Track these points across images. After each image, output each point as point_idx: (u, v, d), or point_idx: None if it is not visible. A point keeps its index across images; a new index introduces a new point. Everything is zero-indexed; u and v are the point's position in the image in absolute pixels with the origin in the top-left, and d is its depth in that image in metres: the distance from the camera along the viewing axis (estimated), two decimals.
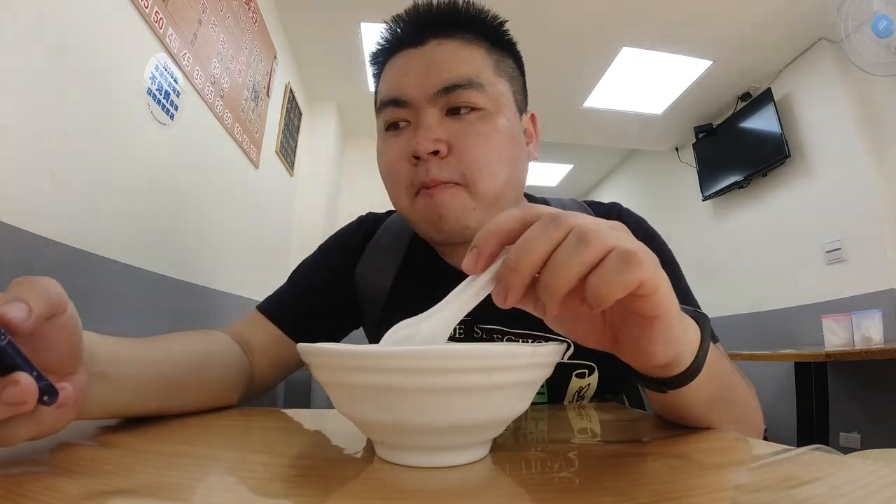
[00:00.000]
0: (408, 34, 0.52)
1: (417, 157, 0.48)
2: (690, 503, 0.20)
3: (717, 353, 0.34)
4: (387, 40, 0.55)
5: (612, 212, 0.61)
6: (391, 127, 0.52)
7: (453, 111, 0.49)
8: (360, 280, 0.63)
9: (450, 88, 0.48)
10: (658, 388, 0.31)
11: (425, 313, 0.27)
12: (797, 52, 2.52)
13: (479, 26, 0.53)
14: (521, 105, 0.56)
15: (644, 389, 0.36)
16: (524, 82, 0.58)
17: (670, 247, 0.59)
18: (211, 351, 0.49)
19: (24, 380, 0.20)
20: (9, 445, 0.22)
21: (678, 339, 0.27)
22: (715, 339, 0.51)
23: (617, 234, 0.23)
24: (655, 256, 0.24)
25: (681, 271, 0.57)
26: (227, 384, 0.48)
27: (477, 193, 0.49)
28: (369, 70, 0.58)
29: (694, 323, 0.30)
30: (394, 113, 0.51)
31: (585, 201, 0.64)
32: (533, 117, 0.59)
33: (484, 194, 0.49)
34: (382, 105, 0.52)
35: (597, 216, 0.61)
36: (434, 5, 0.53)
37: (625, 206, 0.63)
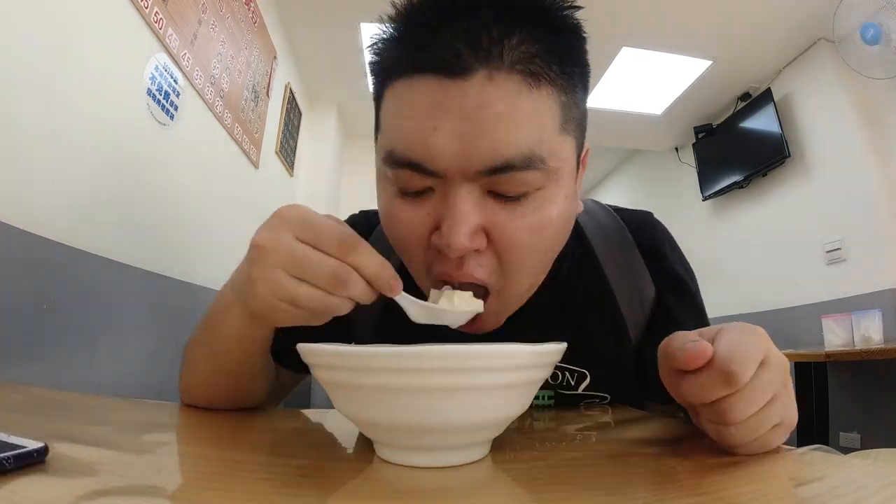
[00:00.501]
0: (445, 53, 0.33)
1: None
2: (690, 503, 0.20)
3: None
4: (406, 42, 0.36)
5: (643, 224, 0.56)
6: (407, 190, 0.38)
7: (499, 193, 0.36)
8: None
9: (501, 169, 0.34)
10: None
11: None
12: (797, 52, 2.52)
13: (545, 31, 0.35)
14: (581, 145, 0.41)
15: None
16: (586, 106, 0.41)
17: None
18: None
19: None
20: None
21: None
22: None
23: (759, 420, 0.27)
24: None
25: (697, 286, 0.55)
26: (262, 382, 0.47)
27: (507, 297, 0.40)
28: (369, 70, 0.43)
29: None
30: (413, 180, 0.36)
31: (613, 207, 0.58)
32: (587, 152, 0.45)
33: (515, 296, 0.41)
34: (397, 163, 0.36)
35: (625, 223, 0.56)
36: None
37: (672, 236, 0.58)
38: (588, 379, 0.49)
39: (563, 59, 0.35)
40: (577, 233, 0.51)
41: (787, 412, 0.29)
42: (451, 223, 0.34)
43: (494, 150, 0.33)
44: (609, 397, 0.51)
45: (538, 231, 0.37)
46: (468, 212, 0.34)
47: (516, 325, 0.43)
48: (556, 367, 0.44)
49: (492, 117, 0.33)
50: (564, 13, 0.36)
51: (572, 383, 0.49)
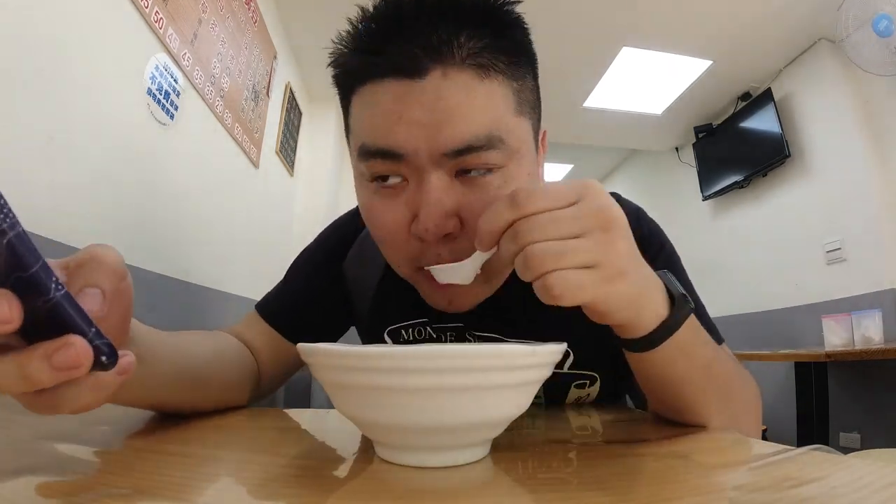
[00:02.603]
0: (401, 57, 0.36)
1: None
2: (690, 503, 0.20)
3: (697, 336, 0.36)
4: (363, 52, 0.39)
5: None
6: (379, 178, 0.40)
7: (464, 170, 0.38)
8: (348, 276, 0.62)
9: (464, 151, 0.37)
10: (626, 347, 0.35)
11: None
12: (797, 52, 2.52)
13: (488, 27, 0.38)
14: (537, 129, 0.45)
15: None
16: (538, 92, 0.45)
17: None
18: (227, 349, 0.49)
19: (79, 342, 0.18)
20: (62, 412, 0.21)
21: (625, 312, 0.31)
22: (720, 340, 0.50)
23: (564, 259, 0.27)
24: (606, 270, 0.28)
25: (683, 273, 0.55)
26: (241, 383, 0.48)
27: (490, 273, 0.40)
28: (334, 82, 0.45)
29: (662, 299, 0.33)
30: (386, 167, 0.39)
31: None
32: (544, 134, 0.49)
33: (497, 273, 0.42)
34: (369, 153, 0.39)
35: None
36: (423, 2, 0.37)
37: (639, 207, 0.61)
38: (572, 357, 0.50)
39: (510, 51, 0.39)
40: None
41: (605, 256, 0.28)
42: (426, 209, 0.37)
43: (455, 135, 0.36)
44: (597, 376, 0.53)
45: None
46: (440, 197, 0.37)
47: (490, 308, 0.47)
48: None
49: (450, 107, 0.36)
50: (506, 8, 0.39)
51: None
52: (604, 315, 0.30)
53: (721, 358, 0.39)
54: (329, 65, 0.43)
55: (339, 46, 0.42)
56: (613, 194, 0.61)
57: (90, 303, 0.20)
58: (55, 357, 0.18)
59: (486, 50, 0.37)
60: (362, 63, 0.39)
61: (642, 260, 0.32)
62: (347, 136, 0.44)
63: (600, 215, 0.28)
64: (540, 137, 0.47)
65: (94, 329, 0.19)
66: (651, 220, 0.58)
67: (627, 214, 0.58)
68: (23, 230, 0.17)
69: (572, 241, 0.27)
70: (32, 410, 0.21)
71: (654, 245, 0.55)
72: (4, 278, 0.17)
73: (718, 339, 0.51)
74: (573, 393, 0.54)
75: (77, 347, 0.18)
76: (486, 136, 0.37)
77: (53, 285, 0.18)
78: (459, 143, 0.36)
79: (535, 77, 0.44)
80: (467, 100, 0.36)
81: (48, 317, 0.18)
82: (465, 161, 0.37)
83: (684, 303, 0.33)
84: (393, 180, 0.39)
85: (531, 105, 0.42)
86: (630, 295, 0.30)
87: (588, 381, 0.53)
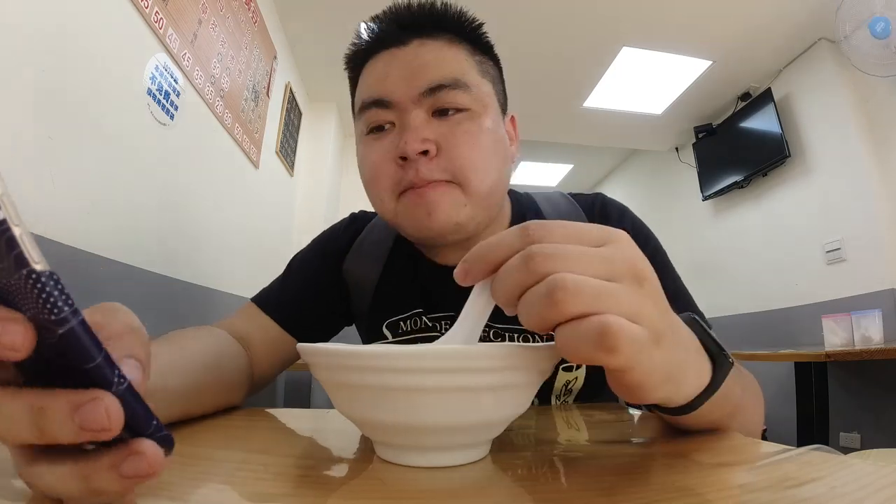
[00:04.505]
0: (389, 34, 0.51)
1: (404, 159, 0.47)
2: (690, 503, 0.20)
3: (730, 382, 0.30)
4: (365, 41, 0.53)
5: (595, 203, 0.61)
6: (374, 130, 0.51)
7: (439, 112, 0.49)
8: (348, 276, 0.63)
9: (436, 89, 0.48)
10: (658, 410, 0.30)
11: (448, 334, 0.27)
12: (797, 52, 2.52)
13: (460, 28, 0.53)
14: (503, 107, 0.57)
15: None
16: (504, 85, 0.58)
17: (670, 246, 0.59)
18: (220, 351, 0.48)
19: (150, 449, 0.17)
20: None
21: (664, 388, 0.25)
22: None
23: (607, 301, 0.21)
24: (648, 329, 0.22)
25: (671, 267, 0.56)
26: (236, 384, 0.48)
27: (469, 191, 0.48)
28: (349, 63, 0.57)
29: (704, 363, 0.28)
30: (377, 115, 0.50)
31: (571, 194, 0.64)
32: (513, 119, 0.59)
33: (476, 192, 0.48)
34: (364, 107, 0.51)
35: (581, 208, 0.61)
36: (414, 5, 0.52)
37: (624, 206, 0.63)
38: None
39: (473, 42, 0.53)
40: (537, 214, 0.61)
41: (643, 312, 0.22)
42: (408, 133, 0.47)
43: (428, 77, 0.48)
44: None
45: (473, 135, 0.49)
46: (419, 125, 0.48)
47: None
48: (528, 333, 0.52)
49: (424, 61, 0.49)
50: (466, 22, 0.53)
51: None
52: (638, 391, 0.23)
53: (738, 391, 0.35)
54: (345, 62, 0.56)
55: (353, 44, 0.55)
56: (599, 194, 0.62)
57: (133, 373, 0.18)
58: (125, 467, 0.16)
59: (454, 35, 0.52)
60: (366, 46, 0.53)
61: (676, 319, 0.26)
62: (353, 110, 0.55)
63: (634, 264, 0.23)
64: (508, 118, 0.58)
65: (155, 422, 0.18)
66: (636, 218, 0.61)
67: (613, 211, 0.60)
68: (84, 318, 0.15)
69: (609, 283, 0.21)
70: None
71: (638, 240, 0.55)
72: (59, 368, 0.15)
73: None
74: (562, 375, 0.54)
75: (148, 456, 0.17)
76: (452, 79, 0.48)
77: (116, 378, 0.16)
78: (431, 82, 0.48)
79: (498, 67, 0.57)
80: (437, 56, 0.50)
81: None
82: (438, 99, 0.48)
83: (724, 361, 0.29)
84: (385, 126, 0.50)
85: (492, 77, 0.54)
86: (668, 367, 0.24)
87: (575, 366, 0.54)
